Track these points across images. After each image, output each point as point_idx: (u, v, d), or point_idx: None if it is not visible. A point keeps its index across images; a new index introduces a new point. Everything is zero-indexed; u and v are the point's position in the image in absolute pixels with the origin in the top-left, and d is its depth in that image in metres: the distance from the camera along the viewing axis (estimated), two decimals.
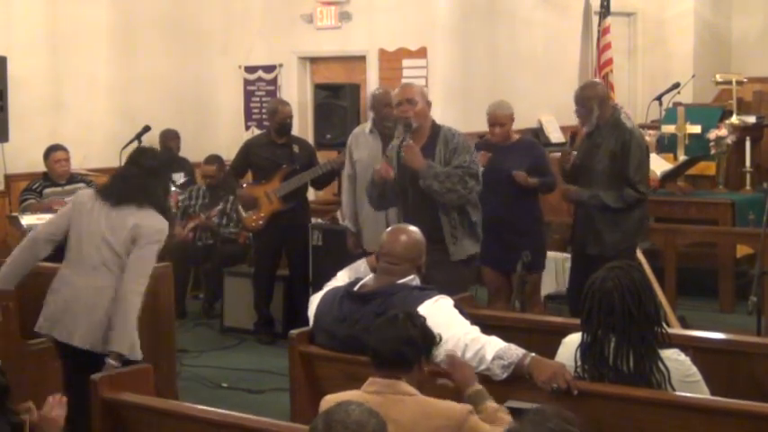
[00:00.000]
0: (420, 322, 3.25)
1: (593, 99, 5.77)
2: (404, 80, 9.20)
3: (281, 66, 10.05)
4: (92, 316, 4.38)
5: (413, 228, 4.01)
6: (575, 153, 5.96)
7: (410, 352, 3.16)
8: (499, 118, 6.26)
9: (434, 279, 4.98)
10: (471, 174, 5.17)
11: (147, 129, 8.21)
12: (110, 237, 4.41)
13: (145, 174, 4.54)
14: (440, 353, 3.51)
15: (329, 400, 3.09)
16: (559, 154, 6.68)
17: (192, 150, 9.32)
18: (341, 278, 4.16)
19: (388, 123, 6.36)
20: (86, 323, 4.38)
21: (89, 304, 4.39)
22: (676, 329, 5.14)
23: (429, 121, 5.36)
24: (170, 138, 9.22)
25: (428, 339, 3.27)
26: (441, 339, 3.36)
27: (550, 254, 7.02)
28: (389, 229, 4.09)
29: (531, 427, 2.28)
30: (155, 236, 4.44)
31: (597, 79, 8.70)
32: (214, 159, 8.44)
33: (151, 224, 4.44)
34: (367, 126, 6.63)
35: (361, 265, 4.24)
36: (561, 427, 2.27)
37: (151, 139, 8.85)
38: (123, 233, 4.40)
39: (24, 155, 8.12)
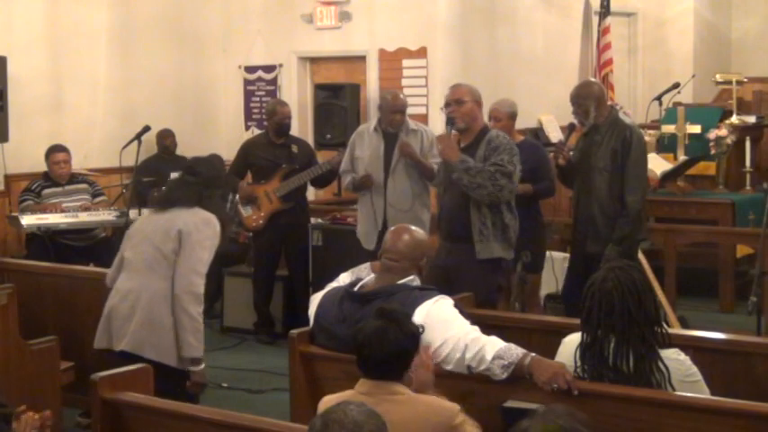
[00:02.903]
0: (409, 329, 3.17)
1: (589, 99, 5.76)
2: (404, 80, 9.23)
3: (281, 66, 10.04)
4: (135, 318, 4.34)
5: (416, 228, 4.02)
6: (572, 153, 5.94)
7: (403, 363, 3.13)
8: (493, 112, 6.33)
9: (460, 281, 5.05)
10: (504, 172, 5.19)
11: (146, 129, 8.20)
12: (155, 238, 4.41)
13: (202, 182, 4.54)
14: (439, 353, 3.51)
15: (327, 401, 3.09)
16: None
17: (192, 150, 9.27)
18: (342, 280, 4.15)
19: (391, 130, 6.42)
20: (131, 326, 4.34)
21: (133, 307, 4.37)
22: (676, 329, 5.14)
23: (479, 124, 5.43)
24: (164, 136, 9.23)
25: (417, 341, 3.23)
26: (423, 330, 3.30)
27: (550, 254, 7.02)
28: (392, 227, 4.10)
29: (542, 424, 2.25)
30: (199, 226, 4.39)
31: (593, 78, 8.69)
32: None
33: (194, 219, 4.41)
34: (372, 124, 6.66)
35: (364, 270, 4.23)
36: (572, 426, 2.25)
37: (151, 139, 8.86)
38: (168, 231, 4.38)
39: (24, 155, 8.12)
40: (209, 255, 4.44)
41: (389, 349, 3.09)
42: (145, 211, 4.58)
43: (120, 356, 4.33)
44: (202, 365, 4.40)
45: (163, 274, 4.37)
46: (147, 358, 4.19)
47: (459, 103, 5.34)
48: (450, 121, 5.33)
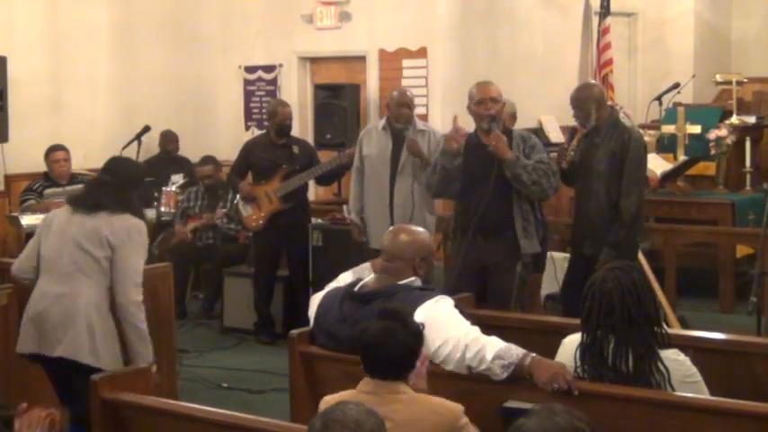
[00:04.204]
0: (415, 328, 3.18)
1: (590, 101, 5.74)
2: (404, 80, 9.23)
3: (281, 66, 10.05)
4: (72, 323, 4.27)
5: (417, 228, 4.00)
6: (572, 153, 5.94)
7: (408, 363, 3.14)
8: None
9: (496, 276, 5.28)
10: (553, 171, 5.39)
11: (146, 129, 8.23)
12: (84, 242, 4.32)
13: (119, 182, 4.49)
14: (439, 354, 3.51)
15: (327, 401, 3.09)
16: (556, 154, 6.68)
17: (191, 150, 9.33)
18: (343, 280, 4.15)
19: (398, 124, 6.43)
20: (68, 332, 4.26)
21: (69, 312, 4.28)
22: (676, 329, 5.14)
23: (502, 122, 5.51)
24: (169, 140, 9.25)
25: (421, 339, 3.23)
26: (423, 327, 3.29)
27: (550, 254, 7.02)
28: (392, 227, 4.10)
29: (538, 421, 2.26)
30: (131, 234, 4.35)
31: (593, 80, 8.69)
32: (208, 160, 8.44)
33: (124, 226, 4.35)
34: (381, 123, 6.69)
35: (366, 269, 4.22)
36: (570, 423, 2.25)
37: (151, 139, 8.87)
38: (98, 237, 4.31)
39: (24, 155, 8.12)
40: (143, 261, 4.43)
41: (397, 349, 3.09)
42: (64, 212, 4.50)
43: (52, 362, 4.30)
44: (155, 368, 4.32)
45: (96, 280, 4.32)
46: (84, 364, 4.19)
47: (495, 101, 5.38)
48: (494, 119, 5.33)
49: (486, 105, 5.35)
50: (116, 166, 4.65)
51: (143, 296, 4.39)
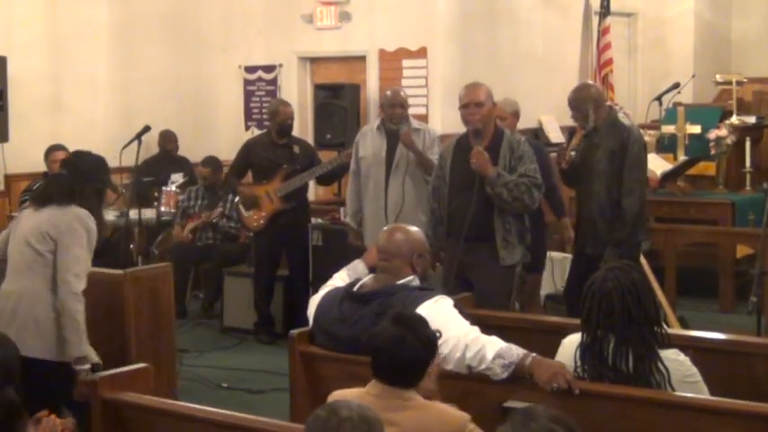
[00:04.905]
0: (426, 336, 3.14)
1: (588, 101, 5.74)
2: (404, 80, 9.22)
3: (281, 66, 10.05)
4: (15, 319, 4.26)
5: (410, 227, 4.02)
6: (573, 153, 5.94)
7: (417, 372, 3.11)
8: (497, 111, 6.28)
9: (480, 281, 5.13)
10: (536, 184, 5.23)
11: (147, 129, 8.20)
12: (30, 238, 4.33)
13: (73, 175, 4.47)
14: (440, 352, 3.51)
15: (336, 396, 3.10)
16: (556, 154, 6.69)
17: (191, 150, 9.34)
18: (338, 278, 4.16)
19: (392, 125, 6.43)
20: (10, 328, 4.19)
21: (14, 309, 4.29)
22: (676, 329, 5.14)
23: (493, 125, 5.39)
24: (168, 140, 9.26)
25: (434, 349, 3.21)
26: (440, 335, 3.30)
27: (550, 254, 7.03)
28: (386, 227, 4.10)
29: (513, 428, 2.27)
30: (71, 225, 4.31)
31: (590, 81, 8.68)
32: (210, 162, 8.44)
33: (65, 218, 4.33)
34: (375, 123, 6.70)
35: (358, 265, 4.24)
36: (545, 427, 2.26)
37: (151, 139, 8.87)
38: (40, 232, 4.31)
39: (24, 155, 8.12)
40: (86, 251, 4.37)
41: (405, 358, 3.06)
42: (28, 209, 4.50)
43: None
44: (87, 365, 4.28)
45: (41, 273, 4.31)
46: (32, 358, 4.13)
47: (479, 105, 5.27)
48: (478, 133, 5.23)
49: (471, 110, 5.26)
50: (73, 159, 4.63)
51: (145, 296, 4.37)
